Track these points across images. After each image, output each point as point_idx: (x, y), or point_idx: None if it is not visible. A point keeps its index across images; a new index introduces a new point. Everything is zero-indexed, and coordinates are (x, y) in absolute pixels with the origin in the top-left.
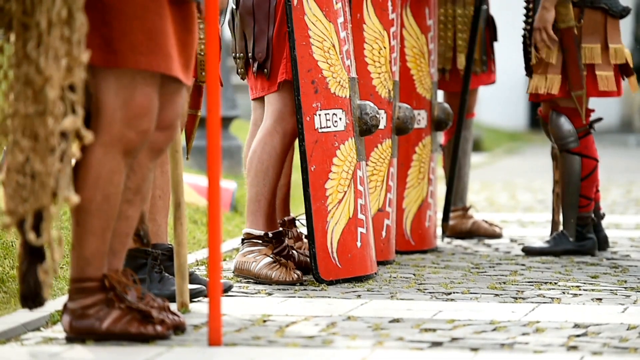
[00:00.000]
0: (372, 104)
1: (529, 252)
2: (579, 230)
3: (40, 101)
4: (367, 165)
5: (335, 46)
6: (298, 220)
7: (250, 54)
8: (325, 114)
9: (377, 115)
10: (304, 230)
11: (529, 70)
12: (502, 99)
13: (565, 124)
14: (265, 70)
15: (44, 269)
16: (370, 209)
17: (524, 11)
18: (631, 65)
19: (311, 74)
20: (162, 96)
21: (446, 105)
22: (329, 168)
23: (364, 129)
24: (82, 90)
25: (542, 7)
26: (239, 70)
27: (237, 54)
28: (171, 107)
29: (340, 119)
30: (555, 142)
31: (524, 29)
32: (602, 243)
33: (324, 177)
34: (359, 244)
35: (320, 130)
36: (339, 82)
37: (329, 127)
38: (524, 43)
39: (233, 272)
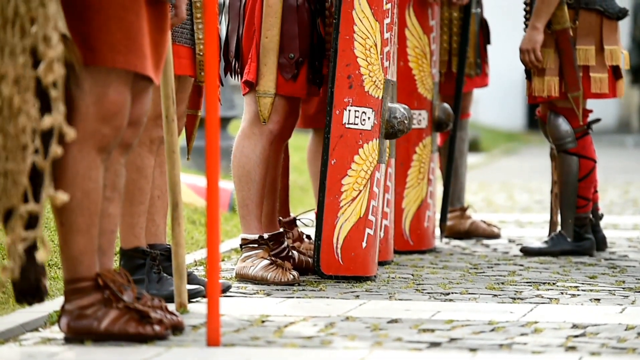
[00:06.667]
0: (402, 109)
1: (527, 252)
2: (576, 231)
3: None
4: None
5: (377, 45)
6: (299, 220)
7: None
8: (355, 111)
9: (406, 121)
10: (304, 230)
11: (528, 73)
12: (500, 99)
13: (562, 124)
14: (237, 70)
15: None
16: (381, 213)
17: (523, 12)
18: (626, 67)
19: (349, 69)
20: (132, 93)
21: (447, 105)
22: (349, 165)
23: (390, 132)
24: (62, 86)
25: (533, 28)
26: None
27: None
28: (139, 104)
29: (368, 118)
30: (553, 142)
31: (525, 30)
32: (600, 243)
33: (342, 172)
34: (364, 244)
35: (347, 126)
36: (375, 81)
37: (357, 124)
38: None
39: (235, 278)
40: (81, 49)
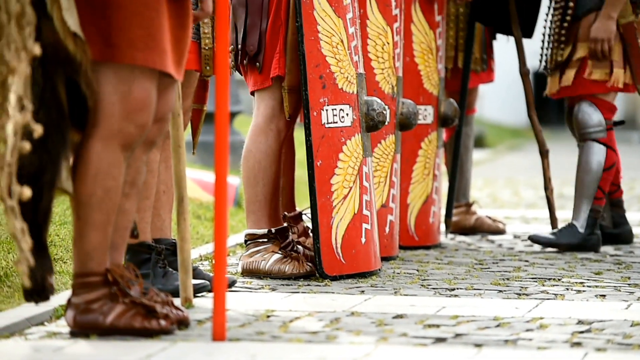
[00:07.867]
0: (379, 100)
1: (535, 241)
2: (588, 223)
3: None
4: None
5: (344, 41)
6: (305, 214)
7: (239, 47)
8: (333, 110)
9: (384, 112)
10: (310, 224)
11: (555, 66)
12: (505, 95)
13: (595, 113)
14: (258, 64)
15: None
16: (375, 205)
17: (551, 8)
18: None
19: (319, 69)
20: (157, 90)
21: (452, 101)
22: (335, 163)
23: (371, 125)
24: (28, 85)
25: (608, 17)
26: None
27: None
28: (163, 101)
29: (347, 114)
30: (579, 131)
31: (552, 27)
32: (629, 236)
33: (329, 173)
34: (363, 240)
35: (327, 126)
36: (347, 77)
37: (336, 122)
38: (551, 39)
39: (242, 273)
40: (101, 46)
